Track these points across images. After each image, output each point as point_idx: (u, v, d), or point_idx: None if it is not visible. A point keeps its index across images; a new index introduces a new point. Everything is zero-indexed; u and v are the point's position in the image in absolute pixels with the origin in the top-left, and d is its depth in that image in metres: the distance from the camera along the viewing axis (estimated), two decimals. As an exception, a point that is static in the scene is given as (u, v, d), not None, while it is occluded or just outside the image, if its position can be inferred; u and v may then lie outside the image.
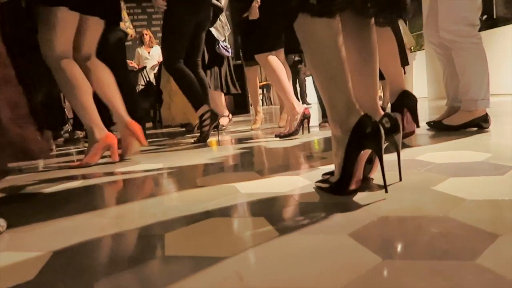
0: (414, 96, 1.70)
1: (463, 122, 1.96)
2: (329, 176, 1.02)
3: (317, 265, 0.60)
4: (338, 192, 0.95)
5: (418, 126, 1.72)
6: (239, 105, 7.51)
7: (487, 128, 1.94)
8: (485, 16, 5.44)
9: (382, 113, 1.01)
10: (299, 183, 1.16)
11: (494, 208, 0.78)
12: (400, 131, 0.99)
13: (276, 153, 1.90)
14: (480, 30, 1.95)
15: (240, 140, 2.68)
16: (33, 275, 0.67)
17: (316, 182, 1.06)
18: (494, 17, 5.48)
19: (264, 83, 9.60)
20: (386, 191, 0.90)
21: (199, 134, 2.63)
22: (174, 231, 0.83)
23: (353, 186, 0.93)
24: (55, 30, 1.80)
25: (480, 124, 1.94)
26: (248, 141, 2.58)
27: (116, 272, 0.65)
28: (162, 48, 2.71)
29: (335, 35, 0.91)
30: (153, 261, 0.68)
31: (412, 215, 0.78)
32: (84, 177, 1.67)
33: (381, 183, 0.91)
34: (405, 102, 1.66)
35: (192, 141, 2.71)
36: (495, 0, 5.52)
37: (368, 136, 0.87)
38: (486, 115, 1.94)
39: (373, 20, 1.05)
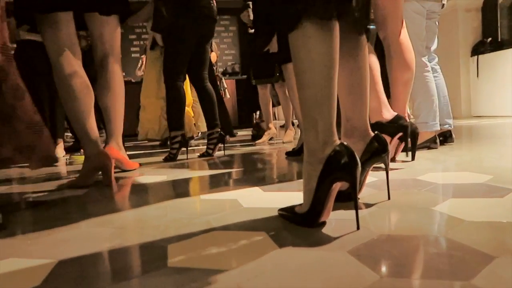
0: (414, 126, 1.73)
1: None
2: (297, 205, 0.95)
3: (316, 281, 0.61)
4: (307, 224, 0.88)
5: (413, 159, 1.78)
6: (244, 120, 7.56)
7: (436, 148, 2.20)
8: (489, 39, 5.50)
9: (372, 134, 1.03)
10: (301, 198, 1.17)
11: (492, 230, 0.79)
12: (389, 151, 1.02)
13: (280, 168, 1.92)
14: (484, 52, 2.07)
15: (244, 155, 2.70)
16: (38, 281, 0.68)
17: (279, 210, 1.00)
18: (499, 40, 5.52)
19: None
20: (358, 228, 0.84)
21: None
22: (177, 243, 0.84)
23: (323, 218, 0.88)
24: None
25: (430, 145, 2.21)
26: (253, 156, 2.60)
27: (120, 281, 0.66)
28: (164, 63, 2.68)
29: (332, 55, 0.85)
30: (156, 272, 0.69)
31: (411, 234, 0.80)
32: (88, 186, 1.69)
33: (371, 201, 0.92)
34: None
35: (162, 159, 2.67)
36: (500, 23, 5.58)
37: (343, 167, 0.82)
38: (435, 137, 2.23)
39: (365, 40, 1.03)
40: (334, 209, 0.97)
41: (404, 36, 1.74)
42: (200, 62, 2.76)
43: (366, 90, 1.04)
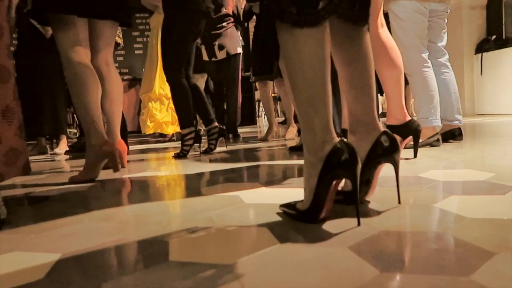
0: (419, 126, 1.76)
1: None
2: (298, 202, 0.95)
3: (316, 276, 0.62)
4: (307, 220, 0.89)
5: (415, 156, 1.81)
6: (246, 117, 7.56)
7: (439, 146, 2.20)
8: (494, 37, 5.47)
9: (382, 129, 0.95)
10: (302, 195, 1.17)
11: (493, 227, 0.79)
12: (400, 150, 0.95)
13: (281, 165, 1.92)
14: (489, 50, 2.08)
15: (246, 151, 2.70)
16: (42, 275, 0.69)
17: (280, 206, 0.99)
18: (503, 37, 5.49)
19: (272, 95, 9.65)
20: (359, 224, 0.84)
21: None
22: (178, 238, 0.85)
23: (324, 214, 0.88)
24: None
25: (432, 143, 2.21)
26: (255, 152, 2.61)
27: (122, 275, 0.67)
28: (164, 62, 2.63)
29: (321, 52, 0.82)
30: (158, 266, 0.70)
31: (412, 231, 0.80)
32: (92, 181, 1.70)
33: (378, 206, 0.92)
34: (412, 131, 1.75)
35: (172, 155, 2.67)
36: (504, 21, 5.55)
37: (343, 165, 0.81)
38: (438, 134, 2.23)
39: (366, 28, 0.96)
40: (335, 205, 0.97)
41: (385, 35, 1.73)
42: (188, 61, 2.73)
43: (368, 82, 0.96)
